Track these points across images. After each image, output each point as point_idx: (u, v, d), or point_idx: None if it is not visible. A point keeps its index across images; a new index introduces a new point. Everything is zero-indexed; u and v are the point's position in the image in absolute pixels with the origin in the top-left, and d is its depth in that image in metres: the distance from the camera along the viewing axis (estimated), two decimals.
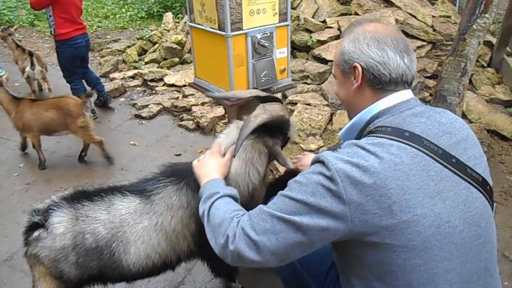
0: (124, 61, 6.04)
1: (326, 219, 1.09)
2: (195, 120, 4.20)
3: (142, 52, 6.13)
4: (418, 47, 4.81)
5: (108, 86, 5.07)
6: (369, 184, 1.06)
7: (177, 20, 6.85)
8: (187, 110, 4.45)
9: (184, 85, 4.95)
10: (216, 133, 4.05)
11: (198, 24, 2.12)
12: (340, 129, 3.92)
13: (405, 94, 1.25)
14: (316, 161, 1.18)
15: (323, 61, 4.71)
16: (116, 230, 1.59)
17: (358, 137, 1.29)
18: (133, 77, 5.46)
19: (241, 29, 1.96)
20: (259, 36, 2.00)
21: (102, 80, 5.46)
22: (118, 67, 5.86)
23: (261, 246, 1.13)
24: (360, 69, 1.22)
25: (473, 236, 1.14)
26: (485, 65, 4.73)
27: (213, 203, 1.33)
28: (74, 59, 4.31)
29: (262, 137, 1.60)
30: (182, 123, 4.25)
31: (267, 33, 2.03)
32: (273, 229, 1.13)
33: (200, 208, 1.37)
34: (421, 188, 1.09)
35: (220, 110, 4.28)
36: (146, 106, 4.63)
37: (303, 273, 1.54)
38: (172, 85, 5.01)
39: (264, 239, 1.13)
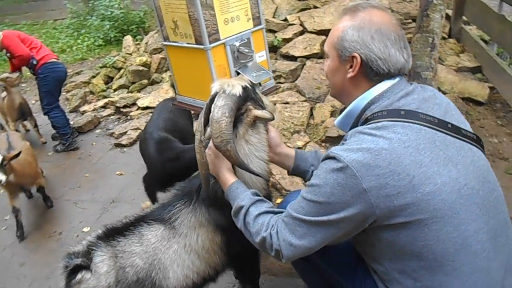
0: (91, 92, 5.90)
1: (351, 212, 1.13)
2: None
3: (108, 79, 6.01)
4: None
5: (80, 120, 4.94)
6: (384, 165, 1.09)
7: (137, 42, 6.75)
8: None
9: None
10: None
11: (173, 42, 2.10)
12: (323, 121, 3.94)
13: (397, 79, 1.27)
14: (326, 157, 1.19)
15: (292, 58, 4.75)
16: (151, 259, 1.63)
17: (355, 124, 1.31)
18: (104, 107, 5.34)
19: (218, 39, 1.94)
20: (237, 44, 1.99)
21: (73, 115, 5.32)
22: (86, 99, 5.72)
23: (303, 247, 1.23)
24: (359, 60, 1.22)
25: (488, 193, 1.19)
26: (446, 36, 4.89)
27: (244, 219, 1.39)
28: (57, 82, 4.42)
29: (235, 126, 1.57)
30: None
31: (244, 40, 2.02)
32: (309, 232, 1.21)
33: (235, 221, 1.45)
34: (433, 159, 1.13)
35: None
36: (125, 133, 4.54)
37: (331, 274, 1.53)
38: (147, 108, 4.93)
39: (305, 242, 1.22)
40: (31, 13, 11.26)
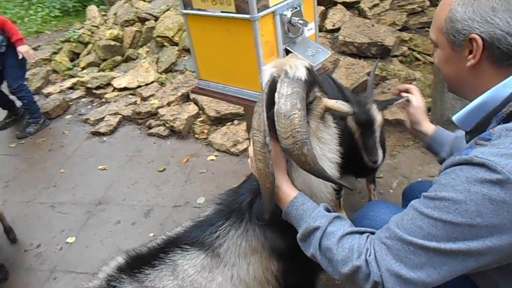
0: (55, 71, 5.15)
1: (504, 240, 0.85)
2: (167, 125, 3.61)
3: (74, 56, 5.27)
4: (381, 0, 4.57)
5: (46, 104, 4.26)
6: None
7: (104, 13, 5.99)
8: (153, 114, 3.83)
9: (139, 86, 4.29)
10: (196, 135, 3.52)
11: (199, 10, 1.59)
12: None
13: None
14: (467, 163, 0.87)
15: None
16: None
17: (487, 120, 1.00)
18: (72, 88, 4.68)
19: (267, 7, 1.47)
20: (289, 14, 1.53)
21: (36, 98, 4.58)
22: (49, 80, 4.98)
23: (418, 281, 0.93)
24: (480, 42, 0.94)
25: None
26: None
27: (320, 243, 1.07)
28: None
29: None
30: (152, 131, 3.65)
31: (296, 8, 1.55)
32: (430, 263, 0.91)
33: (304, 249, 1.14)
34: None
35: (192, 108, 3.72)
36: (102, 119, 3.94)
37: None
38: (125, 89, 4.33)
39: (423, 275, 0.93)
40: None
